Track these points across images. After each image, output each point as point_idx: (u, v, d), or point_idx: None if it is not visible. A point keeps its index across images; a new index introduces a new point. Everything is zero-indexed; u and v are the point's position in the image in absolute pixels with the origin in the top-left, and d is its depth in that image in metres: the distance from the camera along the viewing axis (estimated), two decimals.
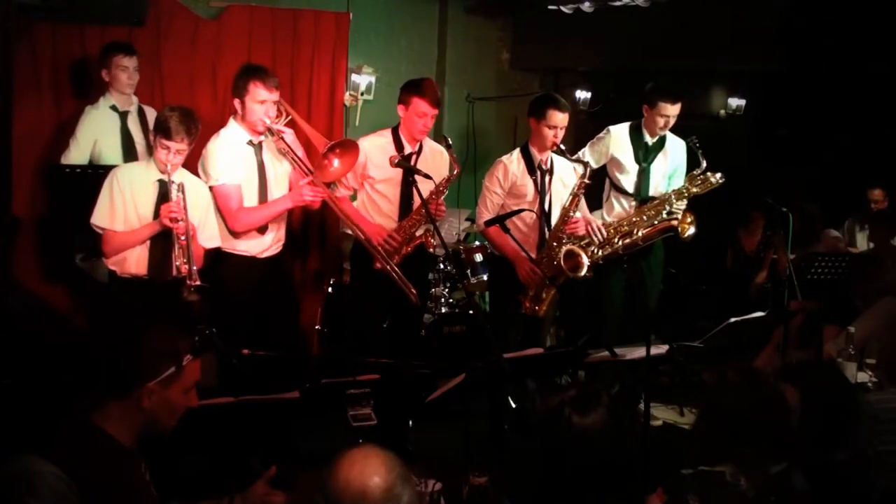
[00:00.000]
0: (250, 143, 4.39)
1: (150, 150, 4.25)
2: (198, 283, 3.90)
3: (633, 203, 5.06)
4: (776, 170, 7.10)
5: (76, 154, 4.70)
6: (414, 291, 4.62)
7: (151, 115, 4.78)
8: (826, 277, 4.87)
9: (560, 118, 4.64)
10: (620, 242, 4.87)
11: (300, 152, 4.51)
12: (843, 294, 5.07)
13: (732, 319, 4.14)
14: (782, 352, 4.69)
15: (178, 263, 3.92)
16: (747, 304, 6.38)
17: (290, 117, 4.50)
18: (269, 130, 4.35)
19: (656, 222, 4.92)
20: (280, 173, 4.48)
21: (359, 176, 4.68)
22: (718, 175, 4.90)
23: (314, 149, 4.58)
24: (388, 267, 4.57)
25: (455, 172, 4.58)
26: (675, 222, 4.89)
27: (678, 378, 5.20)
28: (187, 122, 3.98)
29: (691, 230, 4.90)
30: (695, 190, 4.93)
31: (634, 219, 4.96)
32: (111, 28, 4.98)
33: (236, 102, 4.34)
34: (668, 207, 4.92)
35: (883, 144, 6.49)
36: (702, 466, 2.32)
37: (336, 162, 4.44)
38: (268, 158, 4.44)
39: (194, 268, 3.91)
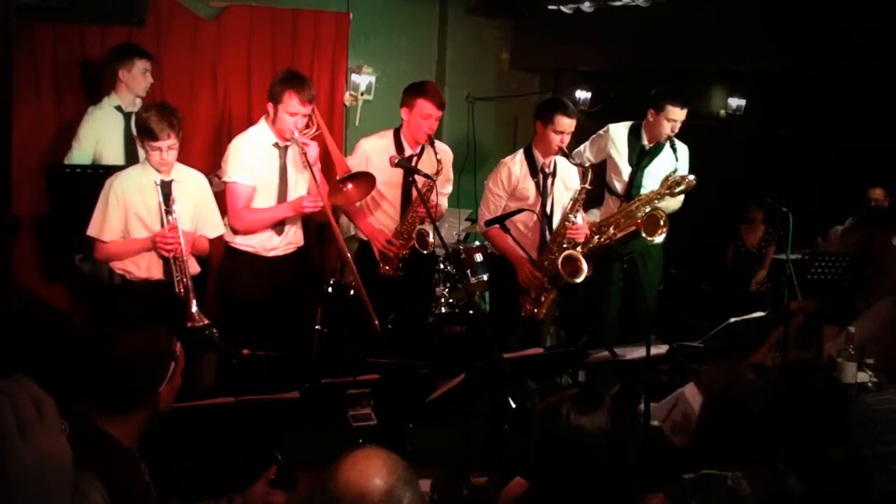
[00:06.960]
0: (276, 145, 4.38)
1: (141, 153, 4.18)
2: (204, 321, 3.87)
3: (622, 204, 5.07)
4: (776, 170, 7.10)
5: (78, 155, 4.70)
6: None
7: None
8: (826, 277, 4.86)
9: (567, 123, 4.60)
10: (597, 239, 4.90)
11: (317, 168, 4.45)
12: (843, 294, 5.06)
13: (732, 319, 4.12)
14: (782, 352, 4.69)
15: (183, 280, 3.90)
16: (747, 302, 6.38)
17: (318, 131, 4.49)
18: (295, 142, 4.33)
19: (629, 224, 4.92)
20: (300, 178, 4.48)
21: None
22: (691, 176, 4.87)
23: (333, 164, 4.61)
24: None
25: (438, 169, 4.55)
26: (639, 225, 4.87)
27: (678, 378, 5.19)
28: (168, 117, 3.88)
29: (661, 236, 4.88)
30: (666, 192, 4.89)
31: (611, 219, 4.98)
32: (111, 28, 4.99)
33: (269, 106, 4.32)
34: (644, 209, 4.90)
35: (883, 144, 6.48)
36: (704, 470, 2.25)
37: (350, 187, 4.43)
38: (291, 162, 4.43)
39: (193, 301, 3.89)
